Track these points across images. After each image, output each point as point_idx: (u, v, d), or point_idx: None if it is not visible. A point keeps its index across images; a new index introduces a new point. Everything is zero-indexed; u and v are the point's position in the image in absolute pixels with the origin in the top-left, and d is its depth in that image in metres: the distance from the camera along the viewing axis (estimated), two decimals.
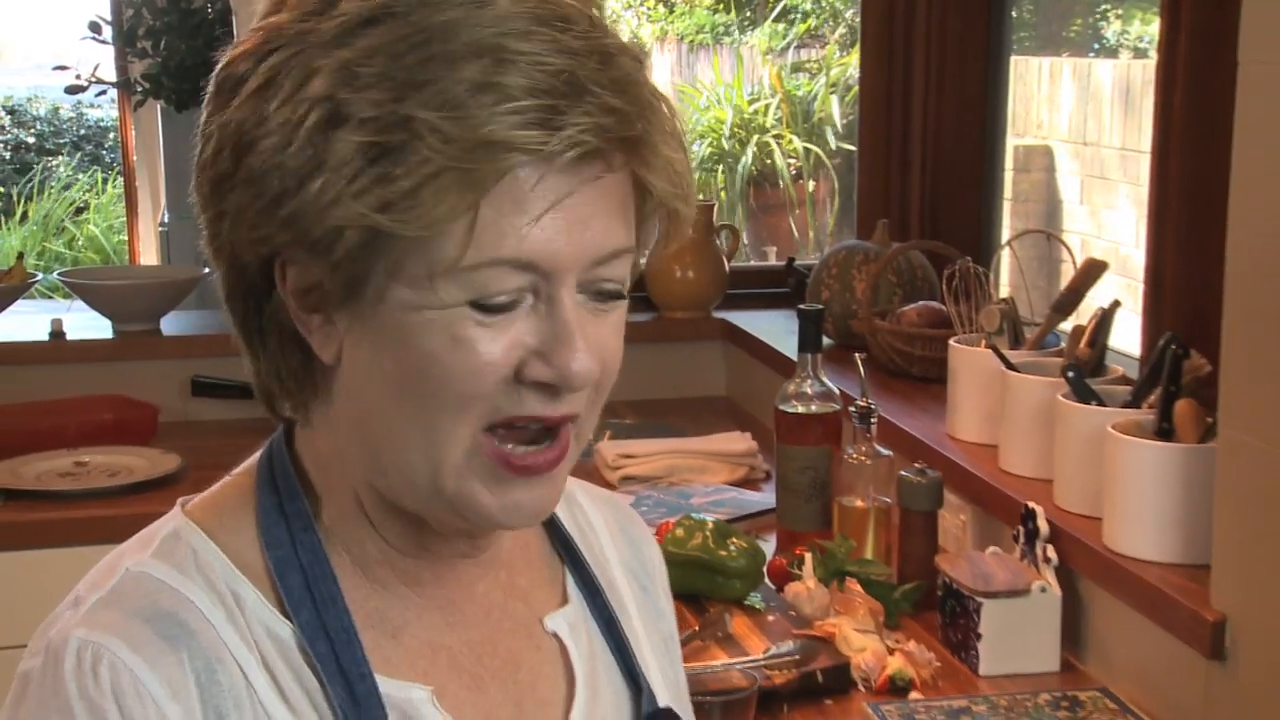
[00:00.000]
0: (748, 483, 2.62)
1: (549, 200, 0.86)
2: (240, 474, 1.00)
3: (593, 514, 1.12)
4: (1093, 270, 2.21)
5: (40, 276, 3.39)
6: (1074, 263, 2.32)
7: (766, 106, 7.55)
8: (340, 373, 0.92)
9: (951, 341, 2.32)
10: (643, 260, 0.97)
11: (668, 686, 1.08)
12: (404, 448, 0.90)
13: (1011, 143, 3.09)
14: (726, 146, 7.52)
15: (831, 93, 7.30)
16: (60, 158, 8.85)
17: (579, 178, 0.87)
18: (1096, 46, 3.50)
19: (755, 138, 7.49)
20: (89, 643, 0.88)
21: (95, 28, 3.94)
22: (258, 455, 0.99)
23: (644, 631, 1.09)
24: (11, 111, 9.12)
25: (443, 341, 0.87)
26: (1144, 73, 2.95)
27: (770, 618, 2.03)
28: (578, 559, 1.07)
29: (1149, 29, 3.04)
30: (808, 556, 2.08)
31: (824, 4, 7.74)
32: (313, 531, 0.94)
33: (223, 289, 0.95)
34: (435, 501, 0.91)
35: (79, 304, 3.17)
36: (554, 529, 1.07)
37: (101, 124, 8.90)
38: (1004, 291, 2.55)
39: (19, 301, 3.13)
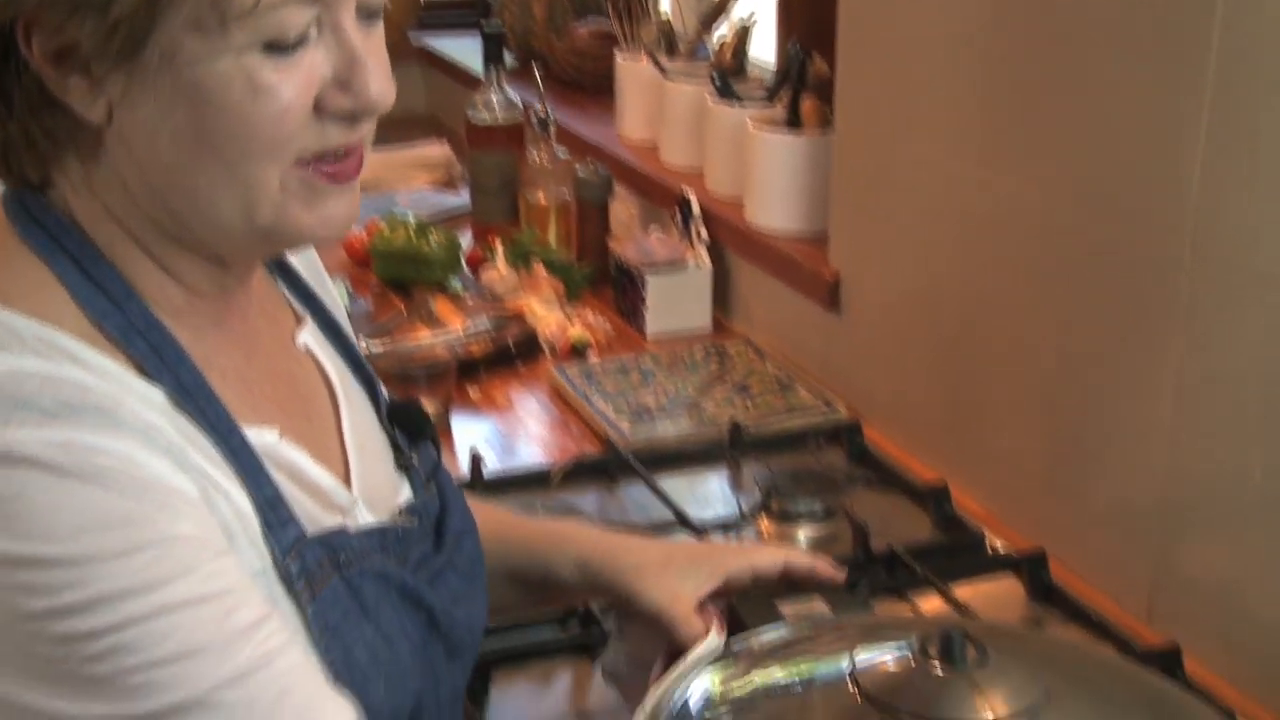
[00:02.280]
0: (447, 186, 2.60)
1: None
2: None
3: None
4: None
5: None
6: None
7: None
8: (112, 132, 0.76)
9: (618, 55, 2.32)
10: None
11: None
12: (210, 200, 0.77)
13: None
14: None
15: None
16: None
17: None
18: None
19: None
20: (49, 443, 0.69)
21: None
22: None
23: (342, 322, 1.00)
24: None
25: (242, 91, 0.73)
26: None
27: (469, 300, 2.05)
28: (289, 273, 0.96)
29: None
30: (499, 245, 2.09)
31: None
32: (135, 298, 0.78)
33: None
34: (248, 237, 0.79)
35: None
36: None
37: None
38: (662, 11, 2.54)
39: None
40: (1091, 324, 1.31)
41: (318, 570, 0.80)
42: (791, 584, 1.04)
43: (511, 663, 1.21)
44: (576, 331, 1.91)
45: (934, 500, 1.47)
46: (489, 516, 1.11)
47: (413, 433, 0.97)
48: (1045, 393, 1.39)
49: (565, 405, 1.76)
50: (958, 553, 1.39)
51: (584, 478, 1.55)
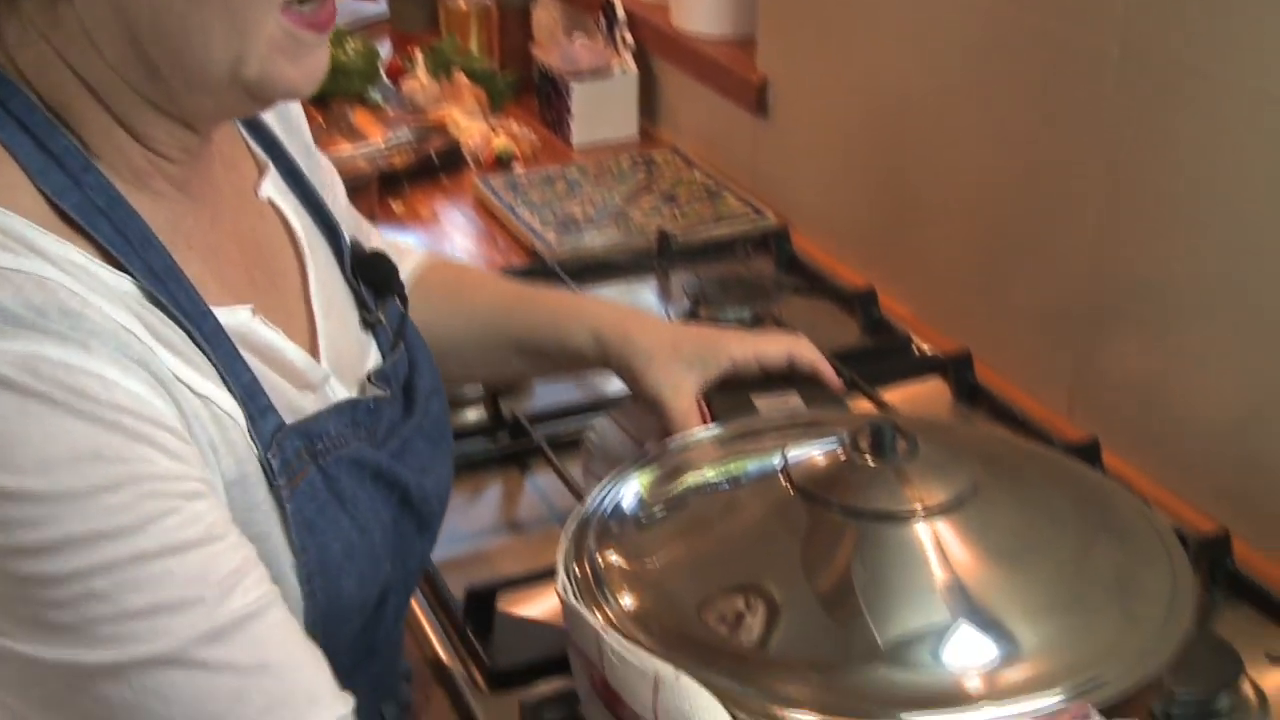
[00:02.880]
0: None
1: None
2: None
3: None
4: None
5: None
6: None
7: None
8: None
9: None
10: None
11: (331, 204, 0.93)
12: (202, 46, 0.70)
13: None
14: None
15: None
16: None
17: None
18: None
19: None
20: (13, 358, 0.62)
21: None
22: None
23: (304, 165, 0.92)
24: None
25: None
26: None
27: (390, 111, 2.00)
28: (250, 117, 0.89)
29: None
30: (419, 54, 2.04)
31: None
32: (94, 170, 0.71)
33: None
34: (230, 92, 0.72)
35: None
36: None
37: None
38: None
39: None
40: (1020, 124, 1.30)
41: (296, 462, 0.75)
42: (787, 376, 1.04)
43: None
44: (501, 142, 1.88)
45: (862, 305, 1.47)
46: (500, 286, 1.09)
47: (379, 286, 0.91)
48: (973, 195, 1.39)
49: (490, 217, 1.74)
50: (885, 356, 1.41)
51: None
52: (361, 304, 0.89)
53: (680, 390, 1.00)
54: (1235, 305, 1.11)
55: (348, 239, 0.91)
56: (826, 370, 1.05)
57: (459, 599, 1.04)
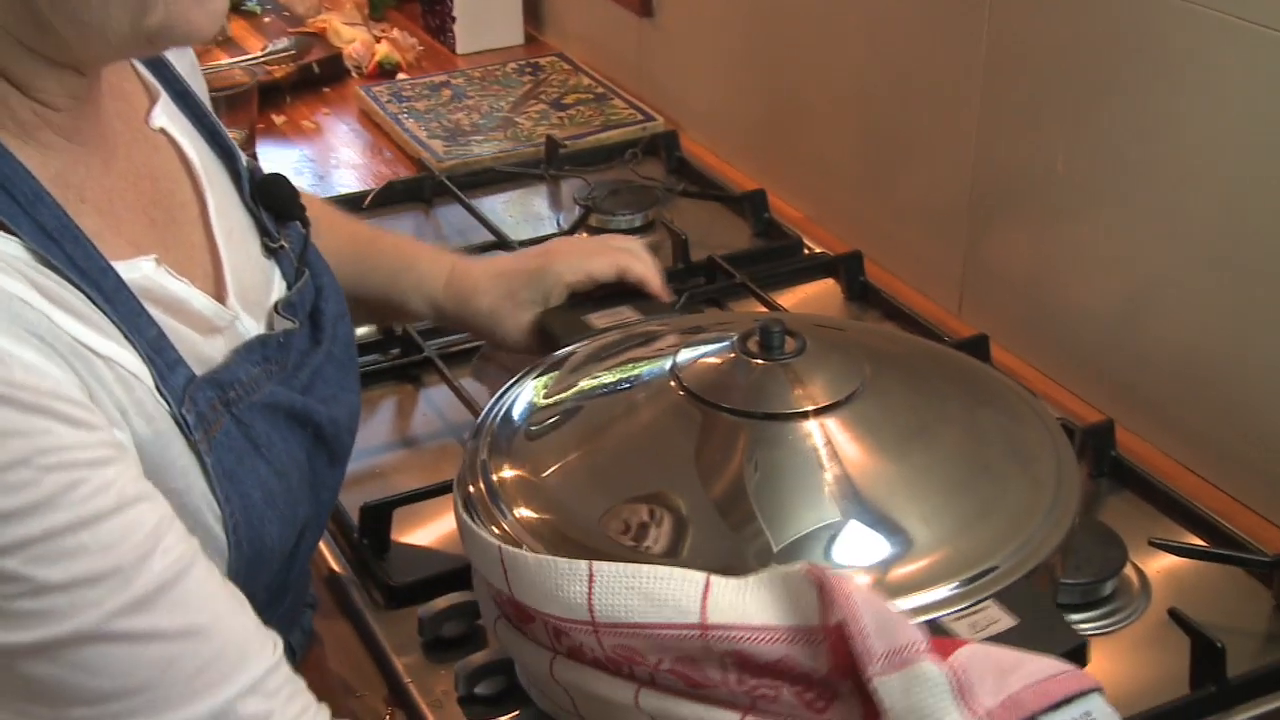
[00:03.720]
0: None
1: None
2: None
3: None
4: None
5: None
6: None
7: None
8: None
9: None
10: None
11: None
12: (102, 4, 0.67)
13: None
14: None
15: None
16: None
17: None
18: None
19: None
20: None
21: None
22: None
23: (197, 87, 0.88)
24: None
25: None
26: None
27: (266, 19, 1.94)
28: None
29: None
30: None
31: None
32: None
33: None
34: (129, 41, 0.69)
35: None
36: None
37: None
38: None
39: None
40: (900, 23, 1.29)
41: (210, 414, 0.73)
42: (622, 290, 1.04)
43: None
44: (383, 50, 1.83)
45: (752, 207, 1.46)
46: (345, 232, 1.07)
47: (279, 211, 0.88)
48: (858, 96, 1.38)
49: (376, 128, 1.70)
50: (776, 258, 1.40)
51: (399, 202, 1.50)
52: (263, 230, 0.86)
53: (535, 334, 1.02)
54: (1116, 198, 1.12)
55: (244, 160, 0.87)
56: (654, 283, 1.04)
57: (354, 517, 1.02)
